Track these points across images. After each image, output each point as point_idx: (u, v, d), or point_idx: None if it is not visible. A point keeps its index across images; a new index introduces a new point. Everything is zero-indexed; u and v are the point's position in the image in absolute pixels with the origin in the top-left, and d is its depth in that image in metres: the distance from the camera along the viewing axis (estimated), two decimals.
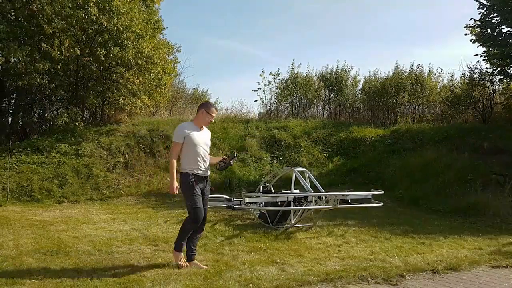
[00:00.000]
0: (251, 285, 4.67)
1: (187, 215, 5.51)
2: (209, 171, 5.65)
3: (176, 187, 5.38)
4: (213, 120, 5.88)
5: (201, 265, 5.46)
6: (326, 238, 7.28)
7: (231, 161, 5.93)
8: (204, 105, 5.71)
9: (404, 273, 5.14)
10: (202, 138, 5.59)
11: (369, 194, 7.92)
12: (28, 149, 13.22)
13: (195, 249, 5.61)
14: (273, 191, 9.08)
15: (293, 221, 8.16)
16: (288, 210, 8.09)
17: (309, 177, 8.21)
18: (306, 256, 6.02)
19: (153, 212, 9.83)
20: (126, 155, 13.55)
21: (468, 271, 5.39)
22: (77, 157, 13.07)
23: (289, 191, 8.38)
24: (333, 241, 7.05)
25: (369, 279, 4.99)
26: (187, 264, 5.44)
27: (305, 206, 7.64)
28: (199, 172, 5.43)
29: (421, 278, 5.10)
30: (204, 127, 5.75)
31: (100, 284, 4.70)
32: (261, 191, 9.01)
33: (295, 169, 8.30)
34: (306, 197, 7.69)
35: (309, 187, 7.94)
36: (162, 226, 8.10)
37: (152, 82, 15.88)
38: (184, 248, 5.54)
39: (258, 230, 7.78)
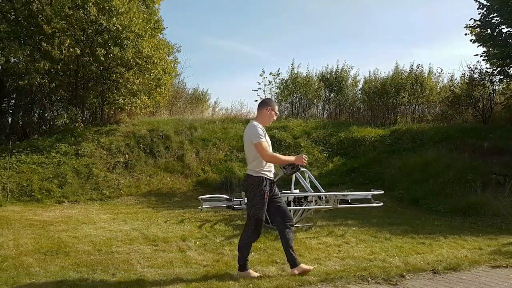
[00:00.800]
0: (251, 285, 4.66)
1: (246, 227, 5.20)
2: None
3: (305, 157, 5.13)
4: (275, 118, 5.50)
5: (305, 267, 5.07)
6: (326, 238, 7.27)
7: (299, 165, 5.26)
8: (268, 103, 5.35)
9: (404, 273, 5.13)
10: (268, 138, 5.25)
11: (369, 194, 7.92)
12: (28, 149, 13.22)
13: (295, 252, 5.12)
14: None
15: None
16: None
17: (309, 177, 8.21)
18: (306, 256, 6.02)
19: (153, 212, 9.83)
20: (126, 155, 13.55)
21: (468, 271, 5.38)
22: (77, 157, 13.07)
23: (289, 191, 8.37)
24: (333, 241, 7.04)
25: (369, 279, 4.99)
26: (257, 274, 5.07)
27: (305, 206, 7.64)
28: (271, 175, 5.12)
29: (421, 278, 5.09)
30: None
31: (100, 284, 4.70)
32: None
33: None
34: (306, 197, 7.69)
35: (309, 187, 7.95)
36: (162, 226, 8.10)
37: (152, 82, 15.89)
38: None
39: None
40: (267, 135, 5.18)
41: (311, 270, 5.07)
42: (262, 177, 4.98)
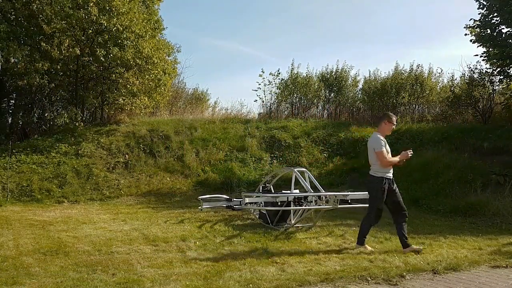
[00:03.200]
0: (251, 285, 4.66)
1: (368, 215, 6.44)
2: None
3: (410, 152, 6.44)
4: (395, 128, 6.72)
5: (415, 247, 6.24)
6: (326, 238, 7.27)
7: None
8: (385, 117, 6.61)
9: (404, 273, 5.13)
10: (388, 147, 6.45)
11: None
12: (28, 149, 13.22)
13: (407, 236, 6.28)
14: (273, 191, 9.08)
15: (293, 221, 8.15)
16: (288, 210, 8.09)
17: (309, 177, 8.21)
18: (306, 256, 6.01)
19: (153, 212, 9.83)
20: (126, 155, 13.56)
21: (468, 271, 5.38)
22: (77, 157, 13.08)
23: (289, 191, 8.37)
24: (333, 241, 7.04)
25: (369, 279, 4.99)
26: (371, 249, 6.33)
27: (305, 206, 7.64)
28: (389, 175, 6.40)
29: (421, 278, 5.09)
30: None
31: (100, 284, 4.69)
32: (261, 191, 9.01)
33: (295, 169, 8.30)
34: (306, 197, 7.68)
35: (309, 187, 7.94)
36: (162, 226, 8.10)
37: (151, 82, 15.88)
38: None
39: (258, 230, 7.78)
40: (387, 144, 6.44)
41: (420, 250, 6.16)
42: (382, 177, 6.32)
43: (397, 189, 6.49)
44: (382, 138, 6.40)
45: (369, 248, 6.35)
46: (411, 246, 6.21)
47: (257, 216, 8.76)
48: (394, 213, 6.40)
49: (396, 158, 6.43)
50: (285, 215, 8.25)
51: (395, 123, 6.60)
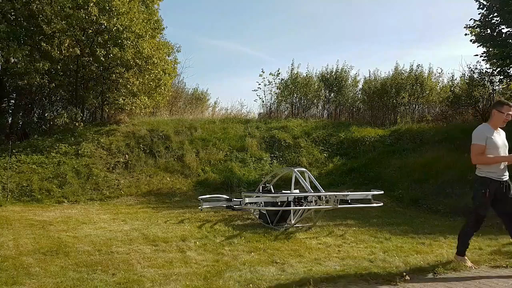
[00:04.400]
0: (251, 285, 4.66)
1: (468, 220, 5.65)
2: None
3: None
4: (510, 118, 5.37)
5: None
6: (326, 238, 7.27)
7: None
8: (495, 105, 5.49)
9: (404, 273, 5.13)
10: (501, 140, 5.41)
11: (369, 194, 7.92)
12: (28, 149, 13.22)
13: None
14: (273, 191, 9.08)
15: (293, 221, 8.15)
16: (288, 210, 8.09)
17: (309, 177, 8.21)
18: (306, 256, 6.01)
19: (153, 212, 9.83)
20: (126, 155, 13.55)
21: (468, 271, 5.39)
22: (77, 157, 13.08)
23: (289, 191, 8.38)
24: (333, 241, 7.04)
25: (369, 279, 4.99)
26: (471, 264, 5.52)
27: (305, 206, 7.63)
28: (499, 176, 5.32)
29: (421, 278, 5.09)
30: (500, 129, 5.50)
31: (100, 284, 4.70)
32: (261, 191, 9.01)
33: (295, 169, 8.30)
34: (306, 197, 7.68)
35: (309, 187, 7.94)
36: (162, 226, 8.10)
37: (152, 82, 15.89)
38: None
39: (258, 230, 7.78)
40: (496, 136, 5.34)
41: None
42: (486, 177, 5.33)
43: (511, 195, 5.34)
44: (486, 129, 5.34)
45: (469, 262, 5.54)
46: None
47: (257, 216, 8.76)
48: (509, 225, 5.41)
49: (501, 158, 5.31)
50: (285, 215, 8.25)
51: (507, 112, 5.32)
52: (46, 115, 15.71)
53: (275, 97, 19.70)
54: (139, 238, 7.07)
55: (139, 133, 14.70)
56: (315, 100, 20.41)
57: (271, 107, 19.89)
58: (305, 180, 8.09)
